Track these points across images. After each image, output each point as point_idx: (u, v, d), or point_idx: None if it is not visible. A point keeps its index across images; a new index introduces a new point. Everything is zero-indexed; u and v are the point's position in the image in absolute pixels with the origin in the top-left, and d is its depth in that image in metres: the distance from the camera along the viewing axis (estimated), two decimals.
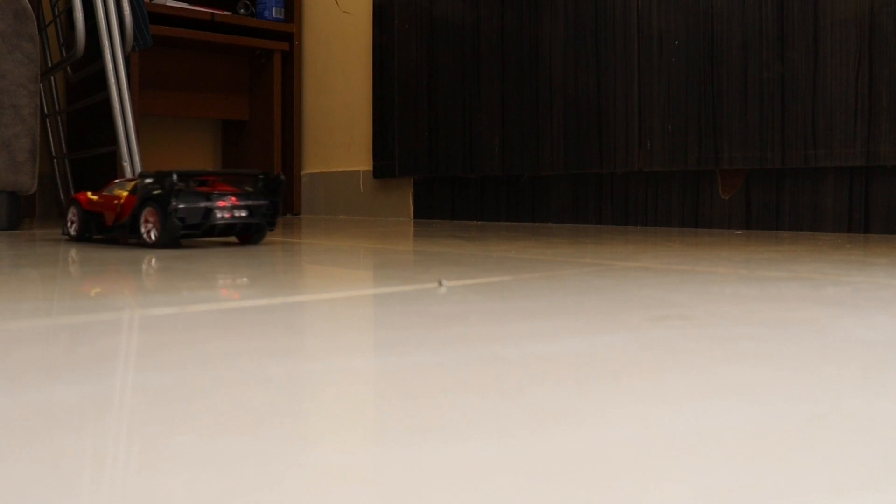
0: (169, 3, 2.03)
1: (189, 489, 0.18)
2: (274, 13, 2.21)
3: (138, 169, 1.51)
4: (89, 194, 1.04)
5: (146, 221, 0.94)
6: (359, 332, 0.40)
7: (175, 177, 0.92)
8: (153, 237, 0.94)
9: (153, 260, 0.80)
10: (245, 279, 0.61)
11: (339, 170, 2.17)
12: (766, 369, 0.31)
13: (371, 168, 2.05)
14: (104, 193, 1.02)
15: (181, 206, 0.92)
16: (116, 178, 0.94)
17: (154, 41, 1.99)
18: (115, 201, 0.99)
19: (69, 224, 1.06)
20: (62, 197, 1.97)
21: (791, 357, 0.33)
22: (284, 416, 0.25)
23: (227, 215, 0.95)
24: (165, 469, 0.20)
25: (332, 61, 2.19)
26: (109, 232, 1.00)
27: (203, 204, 0.94)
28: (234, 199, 0.96)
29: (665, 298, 0.51)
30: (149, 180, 0.96)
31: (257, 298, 0.51)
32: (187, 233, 0.93)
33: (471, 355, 0.34)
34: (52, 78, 1.99)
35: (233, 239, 1.09)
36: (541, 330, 0.40)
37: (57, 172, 2.00)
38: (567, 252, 0.88)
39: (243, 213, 0.97)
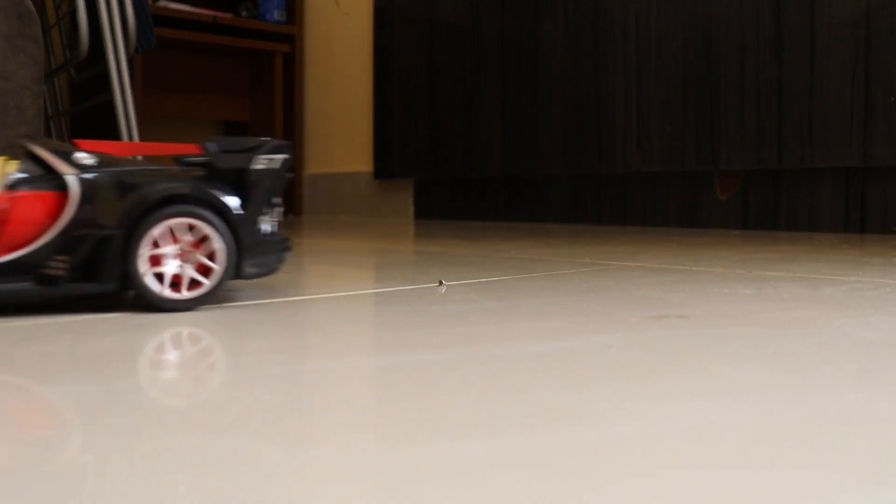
0: (171, 6, 2.04)
1: (189, 489, 0.19)
2: (275, 15, 2.22)
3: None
4: None
5: None
6: (359, 332, 0.40)
7: None
8: None
9: None
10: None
11: (341, 171, 2.17)
12: (763, 368, 0.31)
13: (372, 169, 2.05)
14: None
15: None
16: None
17: (157, 43, 1.99)
18: None
19: None
20: None
21: (788, 356, 0.34)
22: (285, 415, 0.25)
23: None
24: (165, 469, 0.20)
25: (333, 63, 2.19)
26: None
27: None
28: None
29: (663, 298, 0.51)
30: None
31: (258, 298, 0.51)
32: None
33: (471, 355, 0.34)
34: (55, 79, 1.99)
35: None
36: (540, 329, 0.40)
37: None
38: (566, 252, 0.88)
39: None
